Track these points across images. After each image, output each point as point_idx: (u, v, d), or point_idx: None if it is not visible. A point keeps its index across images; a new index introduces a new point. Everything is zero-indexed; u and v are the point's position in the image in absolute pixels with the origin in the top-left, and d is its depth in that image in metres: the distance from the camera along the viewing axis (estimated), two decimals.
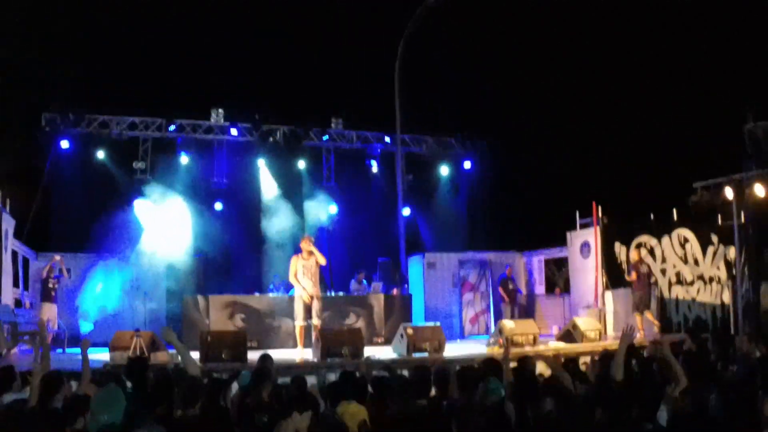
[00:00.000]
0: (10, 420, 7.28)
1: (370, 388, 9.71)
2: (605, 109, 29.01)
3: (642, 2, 28.74)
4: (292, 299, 20.78)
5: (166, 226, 25.79)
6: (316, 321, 19.56)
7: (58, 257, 22.92)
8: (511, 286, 26.73)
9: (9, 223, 21.66)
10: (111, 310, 24.37)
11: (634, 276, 23.43)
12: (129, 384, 9.99)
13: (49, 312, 22.08)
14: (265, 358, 12.34)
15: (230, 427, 7.59)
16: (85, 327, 24.10)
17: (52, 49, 25.29)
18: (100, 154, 27.47)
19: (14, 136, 24.57)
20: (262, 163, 29.46)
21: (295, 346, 20.92)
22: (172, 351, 17.74)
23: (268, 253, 27.04)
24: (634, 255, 23.90)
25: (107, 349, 17.82)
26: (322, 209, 29.79)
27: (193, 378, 9.06)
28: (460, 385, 9.55)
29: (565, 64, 29.89)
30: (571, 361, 11.65)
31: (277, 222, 28.02)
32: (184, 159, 28.26)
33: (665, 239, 24.57)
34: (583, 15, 28.66)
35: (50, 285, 22.38)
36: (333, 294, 24.71)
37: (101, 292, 24.59)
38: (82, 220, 25.39)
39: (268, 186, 29.40)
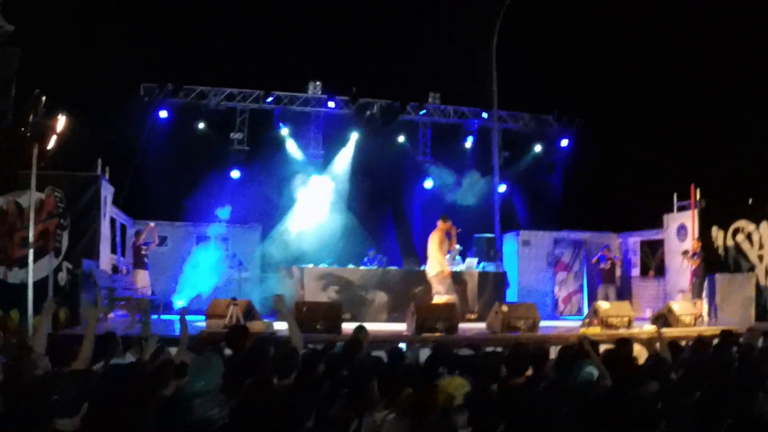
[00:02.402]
0: (120, 381, 7.39)
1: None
2: (707, 90, 28.55)
3: None
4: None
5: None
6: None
7: (152, 224, 23.20)
8: (602, 266, 26.45)
9: (108, 191, 21.94)
10: (211, 285, 24.52)
11: (698, 262, 23.43)
12: (227, 351, 10.08)
13: (142, 279, 22.34)
14: (360, 330, 12.37)
15: (324, 396, 7.57)
16: (178, 302, 24.32)
17: (152, 19, 25.55)
18: (199, 125, 27.71)
19: (114, 105, 24.87)
20: (354, 137, 29.43)
21: (387, 319, 21.15)
22: (267, 320, 17.91)
23: (361, 227, 27.07)
24: (696, 244, 23.80)
25: (203, 317, 18.02)
26: (418, 184, 29.81)
27: (291, 348, 9.10)
28: (558, 366, 9.48)
29: (668, 44, 29.43)
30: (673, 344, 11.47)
31: (372, 196, 28.12)
32: (284, 131, 28.41)
33: (763, 225, 24.19)
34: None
35: (142, 252, 22.63)
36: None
37: (202, 267, 24.76)
38: (179, 189, 25.71)
39: (357, 159, 29.38)
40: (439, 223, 20.23)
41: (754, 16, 27.55)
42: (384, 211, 28.18)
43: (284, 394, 7.51)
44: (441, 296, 20.17)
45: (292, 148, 28.63)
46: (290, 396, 7.27)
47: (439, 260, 20.02)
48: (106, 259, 21.81)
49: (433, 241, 20.20)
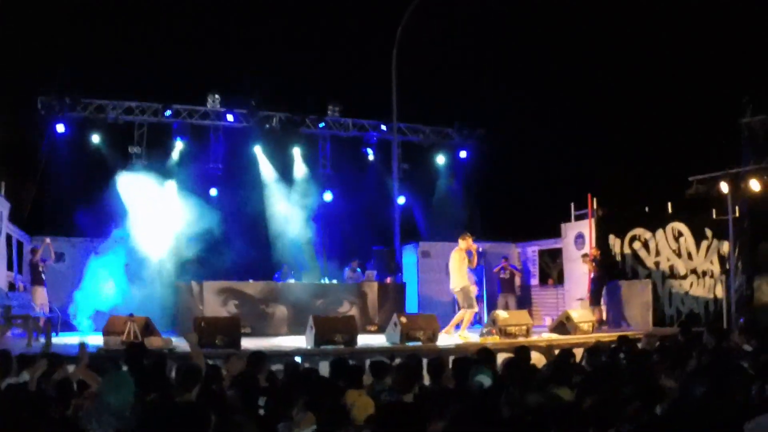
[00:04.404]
0: (8, 403, 7.30)
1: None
2: (603, 101, 29.03)
3: None
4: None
5: (157, 210, 25.76)
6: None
7: (47, 240, 22.91)
8: (502, 275, 26.81)
9: (4, 206, 21.64)
10: (112, 302, 24.18)
11: (596, 268, 23.86)
12: (125, 368, 10.02)
13: (40, 296, 22.01)
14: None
15: (227, 411, 7.57)
16: (83, 324, 23.89)
17: (48, 32, 25.23)
18: (96, 139, 27.34)
19: (9, 120, 24.46)
20: (258, 150, 29.31)
21: (287, 333, 21.29)
22: (166, 336, 17.78)
23: (263, 240, 26.95)
24: (595, 251, 24.21)
25: (100, 333, 17.84)
26: (318, 196, 29.76)
27: (192, 363, 9.10)
28: (455, 374, 9.58)
29: (563, 57, 29.89)
30: (567, 352, 11.69)
31: (273, 209, 28.02)
32: (179, 144, 28.16)
33: (659, 232, 24.69)
34: (582, 6, 28.66)
35: (39, 268, 22.33)
36: (327, 281, 24.81)
37: (101, 283, 24.45)
38: (78, 204, 25.32)
39: (266, 173, 29.27)
40: (460, 242, 20.80)
41: (648, 29, 28.10)
42: (287, 225, 28.03)
43: (187, 409, 7.53)
44: (465, 311, 20.58)
45: (190, 161, 28.33)
46: (193, 410, 7.28)
47: (460, 276, 20.59)
48: (2, 276, 21.49)
49: (454, 259, 20.84)
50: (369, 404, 7.24)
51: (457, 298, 21.15)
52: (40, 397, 7.79)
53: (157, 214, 25.64)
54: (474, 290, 21.20)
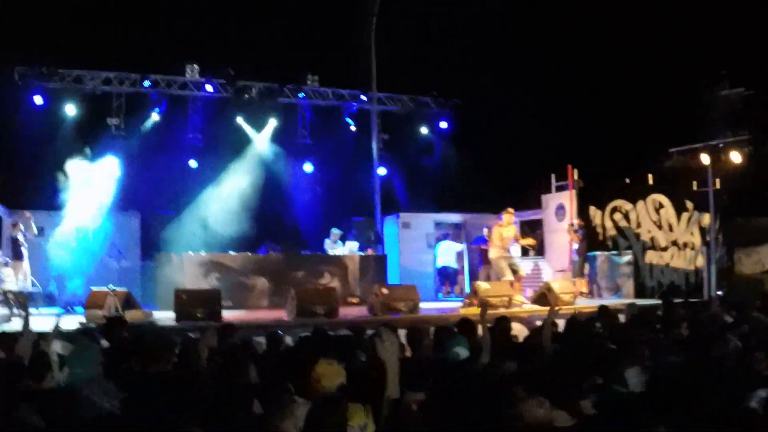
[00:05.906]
0: None
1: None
2: (584, 71, 28.92)
3: None
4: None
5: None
6: (523, 272, 22.54)
7: (27, 214, 22.69)
8: (483, 247, 26.74)
9: None
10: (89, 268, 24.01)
11: (580, 238, 24.03)
12: (105, 342, 9.96)
13: (21, 270, 21.85)
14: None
15: (205, 383, 7.50)
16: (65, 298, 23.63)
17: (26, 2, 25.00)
18: (73, 110, 27.08)
19: None
20: (240, 121, 29.19)
21: (268, 305, 21.28)
22: (147, 310, 17.76)
23: (244, 212, 26.79)
24: (579, 221, 24.38)
25: (81, 307, 17.80)
26: (298, 167, 29.67)
27: (166, 336, 9.06)
28: (435, 345, 9.56)
29: (543, 27, 29.76)
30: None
31: (253, 180, 27.87)
32: (155, 116, 27.95)
33: (640, 204, 24.68)
34: None
35: (20, 243, 22.16)
36: (308, 253, 24.78)
37: (81, 257, 24.27)
38: (56, 177, 25.10)
39: (246, 144, 29.19)
40: (504, 217, 22.28)
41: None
42: (267, 196, 27.92)
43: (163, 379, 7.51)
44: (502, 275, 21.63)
45: (169, 132, 28.18)
46: (176, 383, 7.25)
47: (495, 247, 21.94)
48: None
49: (495, 232, 22.09)
50: (340, 373, 7.18)
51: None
52: (14, 370, 7.72)
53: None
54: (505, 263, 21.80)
